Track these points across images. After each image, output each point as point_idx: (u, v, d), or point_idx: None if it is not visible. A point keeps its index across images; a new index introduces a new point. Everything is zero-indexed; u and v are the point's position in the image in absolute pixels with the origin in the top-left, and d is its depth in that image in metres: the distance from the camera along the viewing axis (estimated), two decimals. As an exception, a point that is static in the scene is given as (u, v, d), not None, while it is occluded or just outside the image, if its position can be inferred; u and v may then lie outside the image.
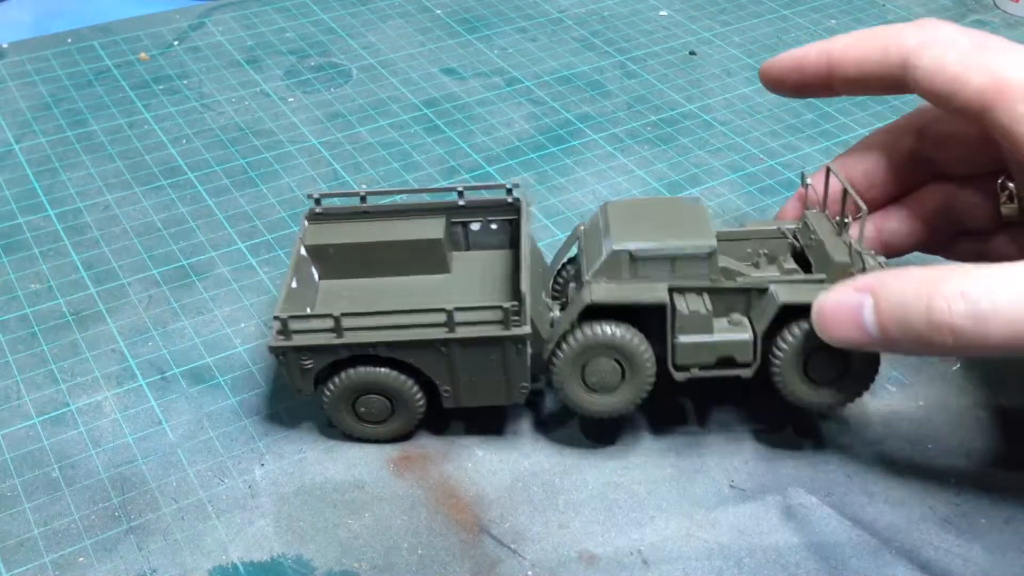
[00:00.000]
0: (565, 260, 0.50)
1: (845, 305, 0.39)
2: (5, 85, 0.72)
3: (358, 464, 0.46)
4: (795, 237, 0.48)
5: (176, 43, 0.77)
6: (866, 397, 0.50)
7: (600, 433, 0.47)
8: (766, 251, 0.47)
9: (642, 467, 0.46)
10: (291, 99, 0.71)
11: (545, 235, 0.59)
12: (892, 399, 0.50)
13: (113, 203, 0.61)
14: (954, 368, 0.51)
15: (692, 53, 0.79)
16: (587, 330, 0.43)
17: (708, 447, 0.47)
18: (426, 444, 0.47)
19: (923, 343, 0.37)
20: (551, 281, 0.50)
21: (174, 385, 0.49)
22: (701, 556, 0.42)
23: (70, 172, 0.63)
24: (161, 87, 0.72)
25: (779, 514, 0.44)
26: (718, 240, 0.44)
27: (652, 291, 0.43)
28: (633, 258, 0.43)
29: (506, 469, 0.46)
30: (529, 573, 0.42)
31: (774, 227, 0.48)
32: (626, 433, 0.47)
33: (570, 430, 0.48)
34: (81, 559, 0.41)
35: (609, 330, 0.43)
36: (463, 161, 0.66)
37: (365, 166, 0.65)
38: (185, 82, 0.73)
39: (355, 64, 0.76)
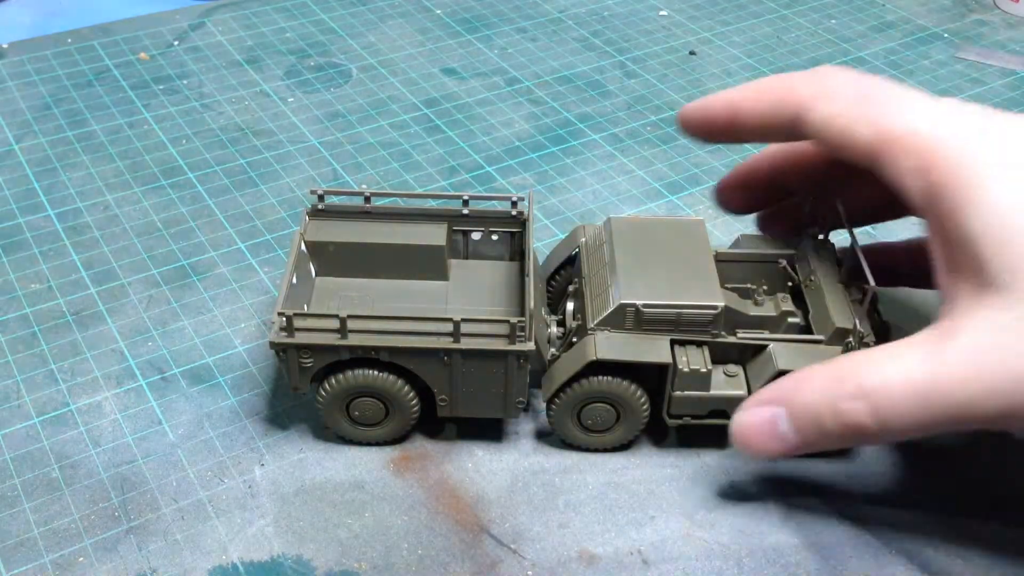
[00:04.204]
0: (558, 266, 0.50)
1: (760, 422, 0.40)
2: (5, 85, 0.72)
3: (358, 464, 0.46)
4: (792, 268, 0.47)
5: (176, 43, 0.77)
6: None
7: (600, 433, 0.48)
8: (765, 286, 0.47)
9: (642, 467, 0.46)
10: (291, 99, 0.71)
11: (545, 235, 0.59)
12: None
13: (113, 203, 0.61)
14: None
15: (692, 53, 0.79)
16: (587, 381, 0.44)
17: (708, 447, 0.47)
18: (426, 444, 0.47)
19: (840, 443, 0.39)
20: (545, 289, 0.50)
21: (174, 385, 0.49)
22: (701, 556, 0.42)
23: (70, 172, 0.63)
24: (161, 87, 0.72)
25: (779, 514, 0.44)
26: (717, 262, 0.45)
27: (655, 350, 0.44)
28: (639, 313, 0.43)
29: (506, 469, 0.46)
30: (529, 573, 0.42)
31: (770, 251, 0.48)
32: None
33: (570, 430, 0.48)
34: (81, 559, 0.41)
35: (608, 384, 0.44)
36: (463, 161, 0.66)
37: (365, 166, 0.65)
38: (185, 82, 0.73)
39: (355, 64, 0.76)
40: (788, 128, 0.42)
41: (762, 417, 0.40)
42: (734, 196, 0.49)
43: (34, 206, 0.61)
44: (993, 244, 0.35)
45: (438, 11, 0.83)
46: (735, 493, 0.45)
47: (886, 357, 0.37)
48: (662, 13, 0.84)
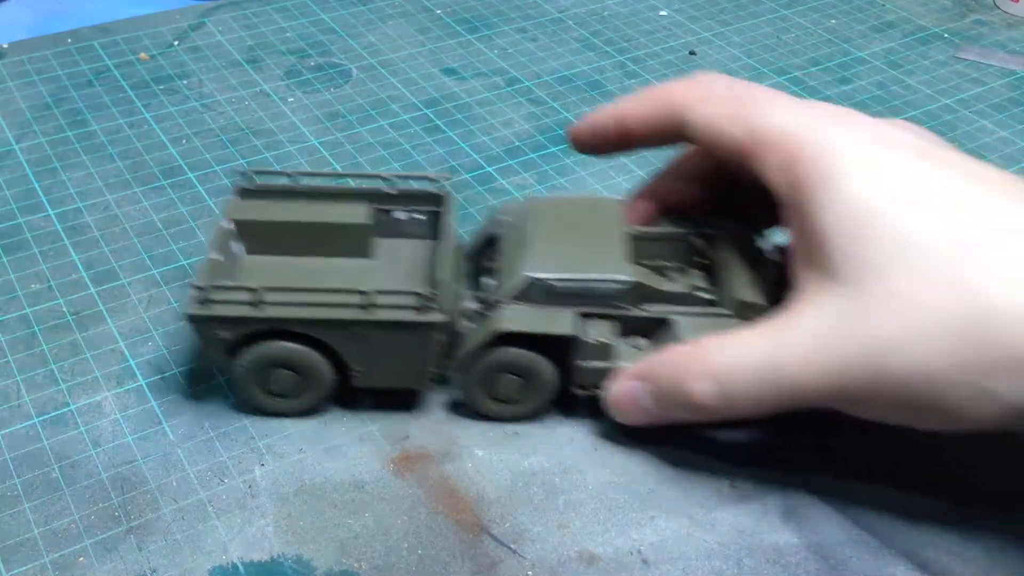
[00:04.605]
0: (480, 244, 0.51)
1: (628, 394, 0.44)
2: (5, 85, 0.72)
3: (358, 464, 0.46)
4: (706, 241, 0.48)
5: (176, 43, 0.77)
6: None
7: (600, 433, 0.48)
8: (679, 264, 0.48)
9: (642, 467, 0.46)
10: (291, 99, 0.71)
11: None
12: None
13: (113, 203, 0.61)
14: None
15: (692, 53, 0.79)
16: (496, 352, 0.45)
17: (708, 447, 0.47)
18: (426, 444, 0.47)
19: (695, 418, 0.42)
20: (467, 266, 0.51)
21: (174, 385, 0.49)
22: (701, 556, 0.42)
23: (70, 172, 0.63)
24: (161, 87, 0.72)
25: (779, 514, 0.44)
26: (633, 239, 0.47)
27: (561, 322, 0.45)
28: (547, 286, 0.45)
29: (506, 469, 0.46)
30: (529, 573, 0.42)
31: (686, 230, 0.49)
32: (626, 433, 0.47)
33: (570, 430, 0.48)
34: (81, 559, 0.41)
35: (516, 355, 0.45)
36: (463, 161, 0.66)
37: (365, 166, 0.65)
38: (185, 82, 0.73)
39: (355, 64, 0.76)
40: (672, 132, 0.45)
41: (629, 389, 0.43)
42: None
43: (34, 206, 0.61)
44: (841, 238, 0.37)
45: (438, 11, 0.83)
46: (735, 493, 0.45)
47: (734, 340, 0.40)
48: (662, 13, 0.84)
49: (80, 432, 0.47)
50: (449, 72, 0.75)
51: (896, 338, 0.36)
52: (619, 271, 0.45)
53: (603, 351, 0.45)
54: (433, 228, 0.51)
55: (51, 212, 0.60)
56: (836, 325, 0.37)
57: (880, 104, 0.73)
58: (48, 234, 0.58)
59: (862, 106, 0.73)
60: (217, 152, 0.66)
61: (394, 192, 0.51)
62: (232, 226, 0.49)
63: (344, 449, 0.46)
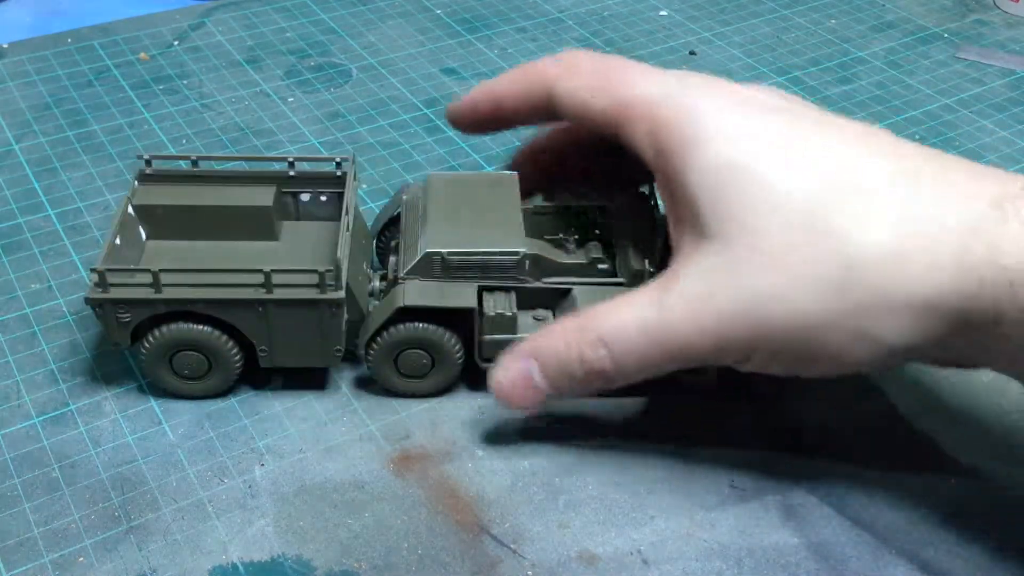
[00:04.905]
0: (386, 222, 0.52)
1: (516, 376, 0.43)
2: (5, 85, 0.72)
3: (358, 464, 0.46)
4: (602, 212, 0.50)
5: (176, 43, 0.77)
6: (867, 397, 0.50)
7: (600, 433, 0.48)
8: (577, 236, 0.49)
9: (642, 467, 0.46)
10: (291, 99, 0.71)
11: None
12: (892, 399, 0.50)
13: (113, 203, 0.61)
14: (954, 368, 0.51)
15: (692, 53, 0.79)
16: (399, 328, 0.46)
17: (708, 447, 0.47)
18: (426, 444, 0.47)
19: (589, 388, 0.42)
20: (373, 245, 0.52)
21: (174, 385, 0.49)
22: (701, 556, 0.42)
23: (70, 172, 0.63)
24: (161, 87, 0.72)
25: (779, 514, 0.44)
26: (533, 214, 0.48)
27: (461, 296, 0.46)
28: (445, 261, 0.46)
29: (506, 469, 0.46)
30: (529, 573, 0.42)
31: (584, 203, 0.50)
32: (626, 433, 0.48)
33: (570, 430, 0.48)
34: (81, 559, 0.41)
35: (420, 330, 0.46)
36: (463, 161, 0.66)
37: (365, 166, 0.65)
38: (185, 82, 0.73)
39: (355, 64, 0.76)
40: (543, 108, 0.46)
41: (517, 370, 0.43)
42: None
43: (34, 206, 0.61)
44: (706, 196, 0.38)
45: (438, 11, 0.83)
46: (735, 493, 0.45)
47: (621, 305, 0.40)
48: (662, 13, 0.84)
49: (80, 432, 0.47)
50: (449, 72, 0.75)
51: (769, 289, 0.37)
52: (516, 244, 0.46)
53: (506, 323, 0.46)
54: (338, 209, 0.52)
55: (51, 212, 0.60)
56: (711, 282, 0.38)
57: (880, 104, 0.73)
58: (48, 234, 0.58)
59: (862, 106, 0.73)
60: (217, 152, 0.66)
61: (299, 175, 0.51)
62: (133, 212, 0.49)
63: (344, 449, 0.46)
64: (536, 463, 0.46)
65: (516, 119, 0.48)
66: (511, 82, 0.47)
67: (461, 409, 0.48)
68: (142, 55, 0.76)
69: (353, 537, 0.43)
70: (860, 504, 0.45)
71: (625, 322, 0.40)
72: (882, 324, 0.36)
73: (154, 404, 0.48)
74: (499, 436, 0.47)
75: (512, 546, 0.42)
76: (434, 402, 0.49)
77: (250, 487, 0.45)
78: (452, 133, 0.68)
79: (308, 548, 0.42)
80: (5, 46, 0.76)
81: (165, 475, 0.45)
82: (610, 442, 0.47)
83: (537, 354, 0.42)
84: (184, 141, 0.67)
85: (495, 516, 0.44)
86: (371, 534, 0.43)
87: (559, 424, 0.48)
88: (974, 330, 0.35)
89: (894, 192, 0.36)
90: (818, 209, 0.36)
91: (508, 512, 0.44)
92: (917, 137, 0.70)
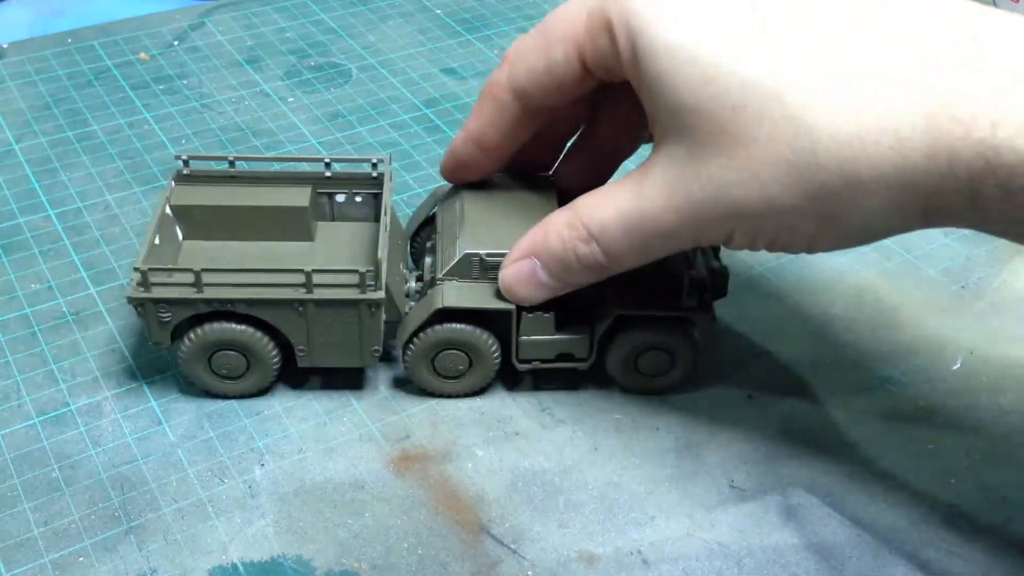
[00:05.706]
0: (421, 223, 0.52)
1: (522, 273, 0.45)
2: (5, 85, 0.72)
3: (358, 464, 0.46)
4: None
5: (176, 43, 0.77)
6: (867, 397, 0.50)
7: (600, 433, 0.48)
8: None
9: (642, 467, 0.46)
10: (291, 99, 0.71)
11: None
12: (892, 399, 0.50)
13: (113, 203, 0.61)
14: (954, 368, 0.51)
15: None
16: (438, 329, 0.46)
17: (708, 447, 0.47)
18: (426, 444, 0.47)
19: (592, 276, 0.44)
20: (408, 247, 0.52)
21: (174, 385, 0.49)
22: (701, 556, 0.42)
23: (70, 172, 0.63)
24: (161, 87, 0.72)
25: (779, 514, 0.44)
26: None
27: (499, 298, 0.46)
28: (484, 262, 0.46)
29: (506, 469, 0.46)
30: (529, 573, 0.42)
31: None
32: (626, 433, 0.48)
33: (570, 430, 0.48)
34: (81, 559, 0.41)
35: (458, 331, 0.46)
36: (463, 161, 0.66)
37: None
38: (185, 82, 0.73)
39: (355, 64, 0.76)
40: (524, 115, 0.46)
41: (523, 268, 0.44)
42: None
43: (34, 206, 0.61)
44: (668, 89, 0.38)
45: (438, 11, 0.83)
46: (735, 493, 0.45)
47: (603, 199, 0.42)
48: (662, 13, 0.84)
49: (80, 432, 0.47)
50: (449, 72, 0.75)
51: (735, 175, 0.37)
52: None
53: (545, 324, 0.46)
54: (373, 210, 0.52)
55: (51, 212, 0.60)
56: (682, 170, 0.39)
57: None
58: (48, 234, 0.58)
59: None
60: (217, 152, 0.66)
61: (334, 176, 0.51)
62: (171, 212, 0.49)
63: (344, 449, 0.46)
64: (536, 463, 0.46)
65: (512, 143, 0.47)
66: (480, 115, 0.47)
67: (461, 409, 0.48)
68: (142, 55, 0.76)
69: (353, 537, 0.43)
70: (860, 504, 0.45)
71: (608, 217, 0.41)
72: (851, 206, 0.36)
73: (154, 404, 0.48)
74: (499, 436, 0.47)
75: (512, 546, 0.42)
76: (434, 402, 0.49)
77: (250, 487, 0.45)
78: (452, 133, 0.68)
79: (308, 548, 0.42)
80: (5, 46, 0.76)
81: (165, 475, 0.45)
82: (610, 442, 0.47)
83: (537, 252, 0.44)
84: (184, 141, 0.67)
85: (495, 516, 0.44)
86: (371, 534, 0.43)
87: (559, 424, 0.48)
88: (954, 204, 0.35)
89: (852, 72, 0.35)
90: (778, 95, 0.36)
91: (508, 512, 0.44)
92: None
